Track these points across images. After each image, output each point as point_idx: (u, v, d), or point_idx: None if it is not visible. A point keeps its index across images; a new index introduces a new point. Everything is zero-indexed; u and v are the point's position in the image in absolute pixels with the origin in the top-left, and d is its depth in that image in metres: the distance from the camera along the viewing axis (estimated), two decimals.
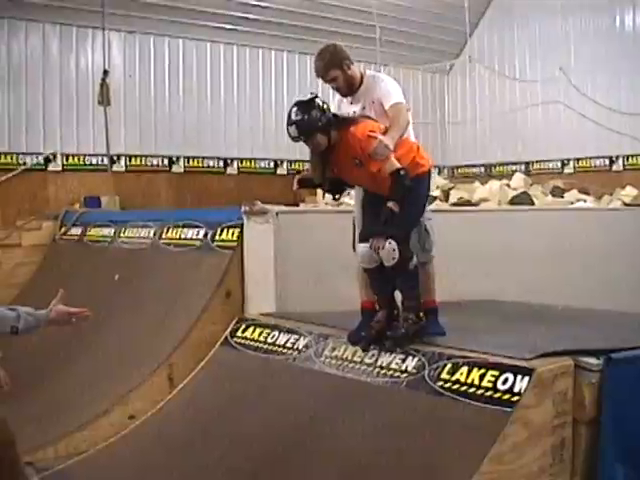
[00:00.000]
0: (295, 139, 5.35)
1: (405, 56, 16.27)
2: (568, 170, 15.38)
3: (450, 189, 13.83)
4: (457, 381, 4.92)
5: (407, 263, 5.37)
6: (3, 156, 12.06)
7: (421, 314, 5.55)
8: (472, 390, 4.80)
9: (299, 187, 5.81)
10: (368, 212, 5.62)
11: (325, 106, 5.37)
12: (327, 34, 14.18)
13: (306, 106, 5.31)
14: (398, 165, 5.24)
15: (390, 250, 5.24)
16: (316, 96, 5.38)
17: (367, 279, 5.72)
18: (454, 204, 12.44)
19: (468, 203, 12.35)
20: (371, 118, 5.55)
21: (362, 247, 5.45)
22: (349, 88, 5.73)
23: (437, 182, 14.22)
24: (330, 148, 5.38)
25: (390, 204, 5.19)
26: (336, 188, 5.77)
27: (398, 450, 4.81)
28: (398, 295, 5.65)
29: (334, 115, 5.43)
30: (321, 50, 5.76)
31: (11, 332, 4.21)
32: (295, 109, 5.31)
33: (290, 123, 5.30)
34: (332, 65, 5.64)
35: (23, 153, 12.23)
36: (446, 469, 4.49)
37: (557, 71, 15.12)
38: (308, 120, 5.25)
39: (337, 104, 5.90)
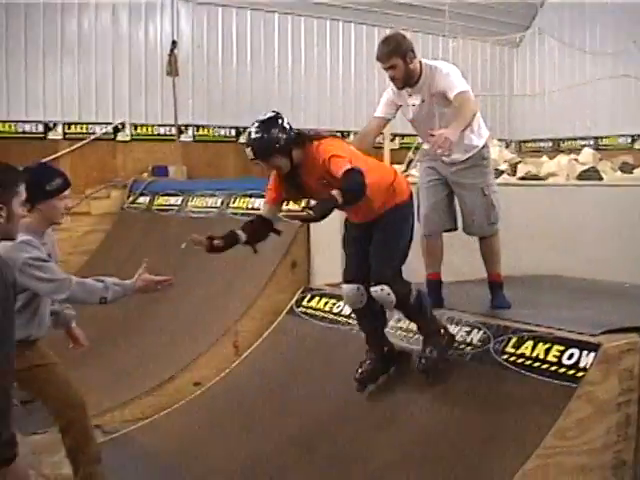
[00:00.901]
0: (253, 161, 4.80)
1: (474, 28, 16.04)
2: (638, 146, 15.11)
3: (517, 163, 13.67)
4: (522, 355, 4.92)
5: (407, 299, 5.10)
6: (73, 126, 12.21)
7: (442, 331, 5.34)
8: (537, 364, 4.80)
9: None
10: (350, 243, 5.31)
11: (287, 125, 4.81)
12: (397, 6, 14.09)
13: (265, 125, 4.77)
14: (349, 166, 4.61)
15: (385, 295, 4.99)
16: (277, 114, 4.84)
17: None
18: (521, 178, 12.30)
19: (536, 177, 12.21)
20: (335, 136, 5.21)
21: (346, 287, 5.22)
22: (406, 81, 5.58)
23: (504, 156, 14.09)
24: (295, 169, 4.87)
25: (334, 192, 4.45)
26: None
27: (462, 421, 4.83)
28: (387, 332, 5.61)
29: (297, 133, 4.87)
30: (387, 36, 5.68)
31: (100, 302, 4.39)
32: (254, 128, 4.76)
33: (247, 144, 4.79)
34: (396, 53, 5.48)
35: (93, 123, 12.36)
36: (509, 442, 4.50)
37: (630, 44, 14.79)
38: (267, 140, 4.71)
39: (395, 95, 5.80)
